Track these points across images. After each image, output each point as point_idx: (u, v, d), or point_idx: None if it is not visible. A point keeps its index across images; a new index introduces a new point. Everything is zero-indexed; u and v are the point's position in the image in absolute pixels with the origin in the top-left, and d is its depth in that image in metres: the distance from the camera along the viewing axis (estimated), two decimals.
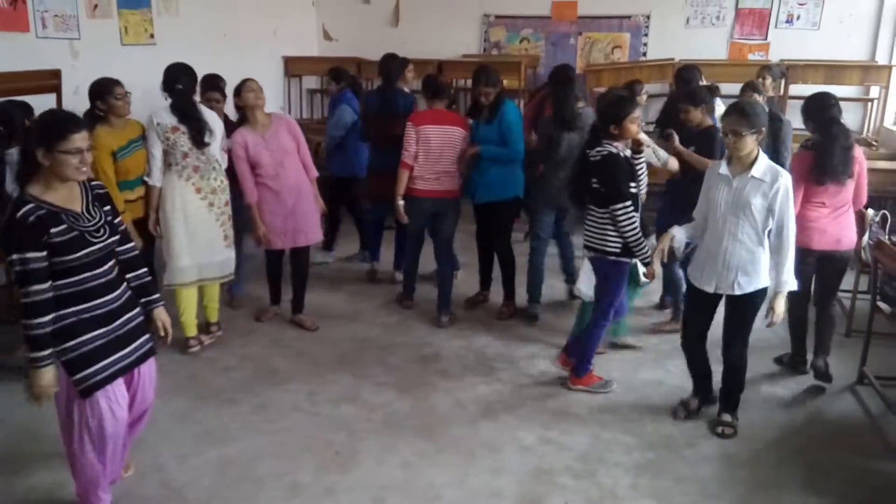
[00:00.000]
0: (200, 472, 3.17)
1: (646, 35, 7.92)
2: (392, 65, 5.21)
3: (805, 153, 3.81)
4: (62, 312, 2.51)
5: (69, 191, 2.54)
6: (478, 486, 3.10)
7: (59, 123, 2.47)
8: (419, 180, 4.56)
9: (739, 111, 3.18)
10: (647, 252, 3.59)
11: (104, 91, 3.94)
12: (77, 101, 5.11)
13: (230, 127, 4.51)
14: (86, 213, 2.56)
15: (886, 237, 4.20)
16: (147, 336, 2.80)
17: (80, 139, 2.45)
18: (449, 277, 4.82)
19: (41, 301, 2.43)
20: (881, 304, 3.93)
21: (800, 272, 3.50)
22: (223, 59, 6.46)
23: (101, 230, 2.59)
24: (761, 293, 3.32)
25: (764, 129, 3.17)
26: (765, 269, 3.28)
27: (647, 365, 4.20)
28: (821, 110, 3.76)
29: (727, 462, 3.29)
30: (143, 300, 2.83)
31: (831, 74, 6.95)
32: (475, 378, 4.04)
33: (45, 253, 2.42)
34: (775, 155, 4.34)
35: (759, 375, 4.09)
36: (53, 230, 2.43)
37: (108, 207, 2.67)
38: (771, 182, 3.16)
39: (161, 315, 2.89)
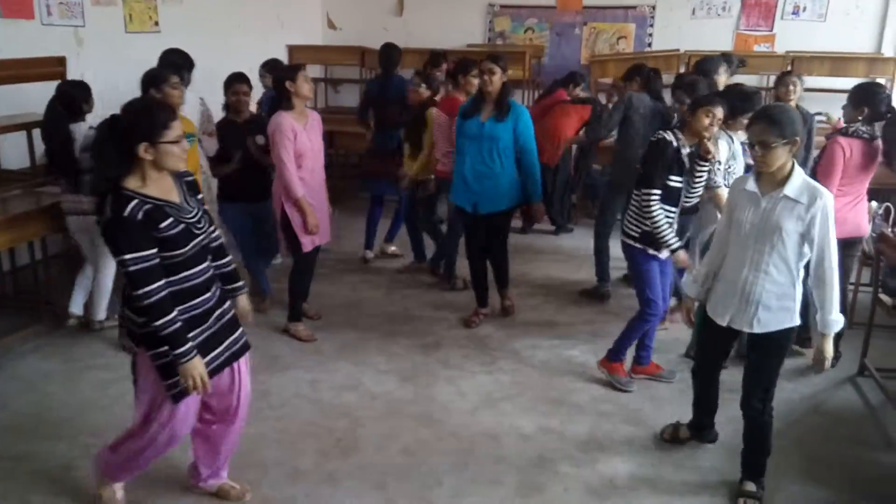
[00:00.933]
0: None
1: (651, 26, 7.88)
2: (392, 53, 5.59)
3: (853, 140, 3.77)
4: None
5: (165, 182, 2.40)
6: (478, 474, 3.12)
7: (160, 114, 2.32)
8: (440, 163, 4.89)
9: (767, 118, 2.67)
10: (669, 241, 3.50)
11: (160, 79, 3.94)
12: None
13: (257, 121, 4.47)
14: (185, 204, 2.42)
15: (890, 229, 4.19)
16: (241, 330, 2.68)
17: (178, 126, 2.34)
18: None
19: (162, 299, 2.29)
20: (883, 297, 3.93)
21: None
22: (228, 46, 6.48)
23: (201, 221, 2.47)
24: (787, 333, 2.82)
25: (798, 138, 2.64)
26: (794, 306, 2.78)
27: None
28: (877, 96, 3.84)
29: (726, 452, 3.30)
30: (226, 287, 2.69)
31: (837, 66, 6.91)
32: (476, 367, 4.05)
33: (156, 250, 2.28)
34: (805, 153, 4.26)
35: None
36: (162, 224, 2.29)
37: (200, 196, 2.55)
38: (808, 203, 2.64)
39: (243, 303, 2.78)
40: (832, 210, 2.63)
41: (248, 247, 4.55)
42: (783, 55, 7.22)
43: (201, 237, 2.44)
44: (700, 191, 3.70)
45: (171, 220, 2.32)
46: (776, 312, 2.77)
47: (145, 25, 5.98)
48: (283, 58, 8.01)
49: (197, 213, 2.44)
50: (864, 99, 3.86)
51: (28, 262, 4.74)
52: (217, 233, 2.63)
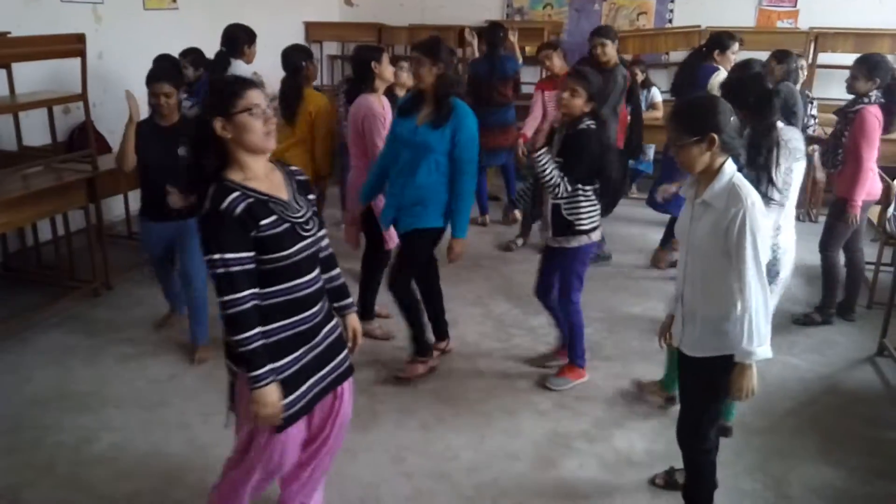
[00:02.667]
0: (224, 431, 3.22)
1: (672, 1, 7.76)
2: (497, 31, 5.71)
3: (877, 108, 3.98)
4: (269, 328, 2.08)
5: (275, 177, 2.15)
6: (494, 448, 3.15)
7: (231, 84, 2.09)
8: None
9: (675, 113, 2.37)
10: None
11: (307, 54, 4.25)
12: (101, 66, 5.18)
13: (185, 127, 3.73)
14: (294, 202, 2.15)
15: None
16: (346, 352, 2.38)
17: (256, 95, 2.05)
18: None
19: (247, 311, 2.01)
20: None
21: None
22: (245, 23, 6.46)
23: (311, 222, 2.18)
24: (721, 364, 2.35)
25: (716, 134, 2.22)
26: (735, 332, 2.29)
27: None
28: (885, 64, 4.05)
29: (742, 430, 3.31)
30: (335, 304, 2.39)
31: (861, 43, 6.77)
32: (492, 344, 4.07)
33: (252, 253, 2.02)
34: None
35: (776, 344, 4.08)
36: (263, 222, 2.02)
37: (311, 197, 2.26)
38: (724, 209, 2.22)
39: (353, 322, 2.45)
40: (754, 219, 2.18)
41: (161, 264, 4.02)
42: (806, 32, 7.10)
43: (309, 240, 2.16)
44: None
45: (274, 217, 2.05)
46: (709, 337, 2.35)
47: (163, 2, 5.97)
48: (300, 35, 8.00)
49: (306, 214, 2.16)
50: (876, 69, 4.01)
51: (50, 238, 4.80)
52: (327, 241, 2.32)
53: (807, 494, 2.91)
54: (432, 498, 2.86)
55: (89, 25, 5.24)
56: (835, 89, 6.01)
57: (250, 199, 2.02)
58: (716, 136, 2.21)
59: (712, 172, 2.27)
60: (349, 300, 2.42)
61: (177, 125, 3.70)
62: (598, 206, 3.42)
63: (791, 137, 3.04)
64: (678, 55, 8.05)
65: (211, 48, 4.91)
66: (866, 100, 4.02)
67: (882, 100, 4.04)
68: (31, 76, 4.76)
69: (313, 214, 2.20)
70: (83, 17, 5.25)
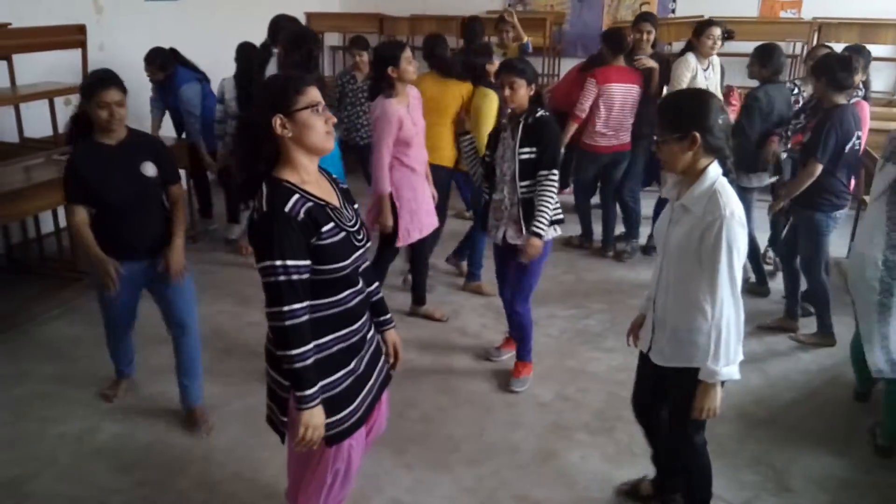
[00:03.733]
0: (226, 421, 3.26)
1: None
2: (473, 26, 5.32)
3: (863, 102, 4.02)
4: (322, 341, 1.98)
5: (324, 182, 2.04)
6: (495, 440, 3.16)
7: (291, 80, 1.95)
8: (599, 136, 4.90)
9: (658, 107, 2.31)
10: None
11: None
12: (102, 57, 5.17)
13: (138, 142, 3.03)
14: (345, 210, 2.04)
15: None
16: (384, 358, 2.30)
17: (316, 92, 1.95)
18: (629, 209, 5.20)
19: (302, 324, 1.90)
20: None
21: None
22: (246, 14, 6.43)
23: (361, 232, 2.07)
24: (693, 375, 2.25)
25: (700, 133, 2.09)
26: (707, 344, 2.18)
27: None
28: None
29: (744, 421, 3.31)
30: (376, 320, 2.28)
31: (865, 33, 6.73)
32: (494, 336, 4.07)
33: (309, 262, 1.89)
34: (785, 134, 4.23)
35: (778, 335, 4.09)
36: (324, 229, 1.91)
37: (356, 206, 2.16)
38: (702, 216, 2.10)
39: (394, 337, 2.34)
40: (731, 230, 2.05)
41: (120, 319, 3.22)
42: (810, 22, 7.06)
43: (361, 251, 2.06)
44: None
45: (332, 224, 1.93)
46: (679, 347, 2.27)
47: None
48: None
49: (357, 223, 2.06)
50: (769, 58, 4.15)
51: (52, 230, 4.81)
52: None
53: (808, 485, 2.91)
54: (433, 489, 2.87)
55: (90, 16, 5.24)
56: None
57: (310, 204, 1.90)
58: (698, 135, 2.08)
59: (695, 174, 2.14)
60: (388, 315, 2.32)
61: (127, 141, 2.91)
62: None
63: None
64: (682, 46, 8.05)
65: (211, 38, 4.91)
66: (864, 95, 4.10)
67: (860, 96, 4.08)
68: (32, 68, 4.76)
69: (362, 224, 2.10)
70: (84, 9, 5.25)
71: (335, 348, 2.02)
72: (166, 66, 5.02)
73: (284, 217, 1.85)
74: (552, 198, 3.20)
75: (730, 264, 2.07)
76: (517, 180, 3.24)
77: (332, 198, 2.02)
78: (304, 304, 1.90)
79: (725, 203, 2.06)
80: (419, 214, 3.84)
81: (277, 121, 1.89)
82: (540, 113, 3.23)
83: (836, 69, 3.63)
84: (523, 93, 3.21)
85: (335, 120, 1.99)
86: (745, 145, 4.05)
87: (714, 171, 2.13)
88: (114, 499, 2.79)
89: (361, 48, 5.31)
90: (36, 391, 3.47)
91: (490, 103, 4.22)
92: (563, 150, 4.70)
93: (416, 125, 3.72)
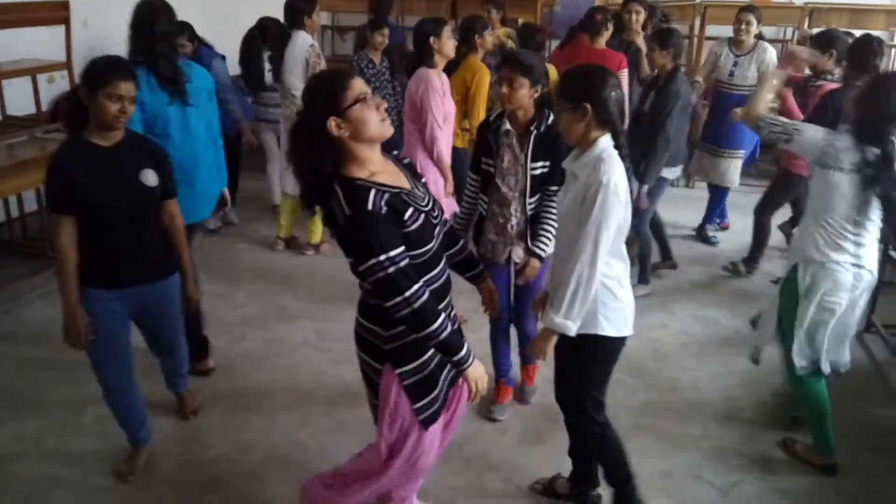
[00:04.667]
0: (212, 404, 3.24)
1: None
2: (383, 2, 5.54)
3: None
4: (403, 328, 1.98)
5: (390, 167, 2.01)
6: (484, 422, 3.16)
7: (334, 79, 1.92)
8: None
9: (560, 81, 2.29)
10: None
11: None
12: (86, 34, 5.08)
13: (136, 144, 2.58)
14: (416, 190, 2.02)
15: None
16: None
17: (361, 83, 1.92)
18: None
19: (428, 300, 1.89)
20: (893, 254, 3.91)
21: None
22: None
23: (436, 209, 2.06)
24: (590, 343, 2.28)
25: (591, 105, 2.12)
26: (605, 312, 2.24)
27: (653, 308, 4.22)
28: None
29: (730, 404, 3.34)
30: (468, 274, 2.36)
31: (856, 18, 6.73)
32: (483, 319, 4.04)
33: (405, 248, 1.89)
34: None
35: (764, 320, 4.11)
36: (406, 216, 1.91)
37: (424, 179, 2.17)
38: (585, 181, 2.14)
39: (490, 287, 2.41)
40: (606, 198, 2.07)
41: (121, 367, 2.70)
42: (801, 6, 7.04)
43: (439, 228, 2.06)
44: None
45: (411, 209, 1.92)
46: None
47: None
48: None
49: (429, 201, 2.04)
50: (669, 40, 4.10)
51: (35, 209, 4.74)
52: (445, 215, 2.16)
53: (793, 469, 2.94)
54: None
55: None
56: None
57: (386, 195, 1.87)
58: (588, 107, 2.12)
59: (587, 144, 2.18)
60: (480, 267, 2.38)
61: (124, 143, 2.49)
62: None
63: None
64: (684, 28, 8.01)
65: (200, 15, 4.81)
66: (830, 77, 4.14)
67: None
68: (13, 44, 4.67)
69: (434, 200, 2.08)
70: None
71: None
72: (193, 37, 4.58)
73: (370, 214, 1.83)
74: (556, 215, 2.84)
75: (597, 228, 2.10)
76: (527, 196, 2.88)
77: (403, 181, 2.00)
78: (421, 282, 1.90)
79: (605, 171, 2.10)
80: (441, 196, 3.67)
81: (332, 123, 1.86)
82: (551, 119, 2.82)
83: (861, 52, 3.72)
84: (524, 94, 2.76)
85: (385, 104, 1.96)
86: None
87: (604, 142, 2.17)
88: (98, 480, 2.77)
89: (380, 27, 5.07)
90: (20, 372, 3.44)
91: (484, 79, 4.10)
92: None
93: (448, 105, 3.71)
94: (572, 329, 2.20)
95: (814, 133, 2.72)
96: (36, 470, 2.82)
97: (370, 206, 1.83)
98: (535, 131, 2.80)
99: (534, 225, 2.91)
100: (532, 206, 2.90)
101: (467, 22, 4.31)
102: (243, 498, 2.70)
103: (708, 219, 5.35)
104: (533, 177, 2.84)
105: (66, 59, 4.29)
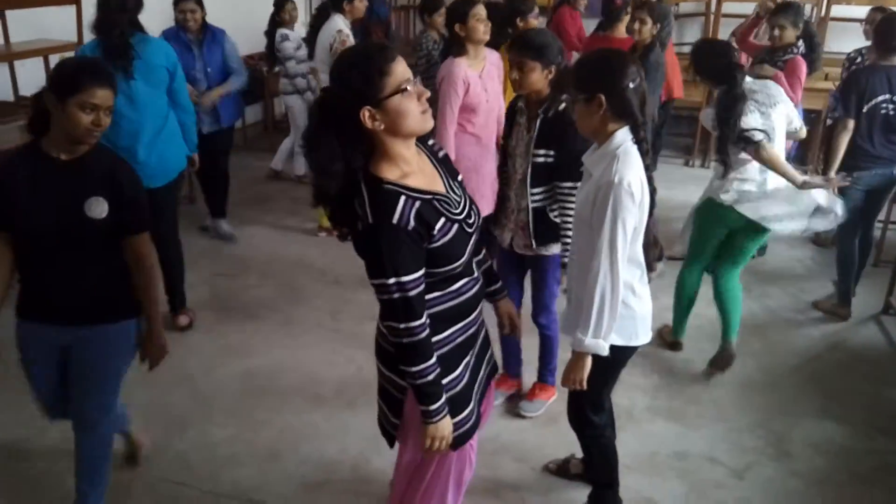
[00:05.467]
0: (225, 383, 3.26)
1: None
2: None
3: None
4: (443, 336, 1.81)
5: (426, 165, 1.78)
6: (496, 404, 3.15)
7: (373, 60, 1.62)
8: None
9: (574, 68, 2.17)
10: None
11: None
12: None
13: (100, 159, 2.20)
14: (451, 192, 1.79)
15: None
16: (489, 347, 2.10)
17: (403, 67, 1.66)
18: None
19: (421, 341, 1.71)
20: None
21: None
22: None
23: (472, 214, 1.83)
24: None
25: (605, 96, 1.96)
26: (586, 318, 2.03)
27: (666, 291, 4.18)
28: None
29: (744, 387, 3.31)
30: (488, 290, 2.09)
31: None
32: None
33: (423, 270, 1.69)
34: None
35: (780, 301, 4.08)
36: (436, 229, 1.68)
37: (461, 178, 1.91)
38: (598, 179, 2.00)
39: (508, 307, 2.20)
40: (619, 199, 1.92)
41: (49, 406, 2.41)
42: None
43: (475, 237, 1.83)
44: None
45: (443, 220, 1.70)
46: (577, 317, 2.13)
47: None
48: None
49: (465, 205, 1.81)
50: (655, 13, 4.18)
51: None
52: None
53: (808, 450, 2.92)
54: None
55: None
56: (848, 43, 5.87)
57: (417, 203, 1.65)
58: (603, 98, 1.95)
59: (604, 138, 2.02)
60: (500, 283, 2.16)
61: (81, 162, 2.08)
62: None
63: (758, 90, 3.09)
64: (688, 6, 7.89)
65: None
66: (795, 50, 4.11)
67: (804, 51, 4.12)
68: (25, 25, 4.66)
69: (470, 202, 1.84)
70: None
71: (456, 341, 1.84)
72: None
73: (393, 229, 1.61)
74: (567, 206, 2.66)
75: (612, 233, 1.94)
76: (528, 185, 2.70)
77: (437, 182, 1.77)
78: (423, 319, 1.70)
79: (618, 170, 1.93)
80: (481, 189, 3.35)
81: (366, 114, 1.61)
82: (564, 104, 2.60)
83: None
84: (536, 78, 2.58)
85: (428, 93, 1.70)
86: None
87: (620, 137, 1.99)
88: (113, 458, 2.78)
89: (435, 8, 4.85)
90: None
91: None
92: None
93: (486, 91, 3.36)
94: (605, 348, 2.04)
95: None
96: (50, 450, 2.84)
97: (395, 219, 1.61)
98: (542, 115, 2.63)
99: (540, 220, 2.73)
100: (537, 198, 2.70)
101: (512, 2, 4.15)
102: (255, 477, 2.71)
103: None
104: (535, 164, 2.66)
105: (78, 40, 4.28)
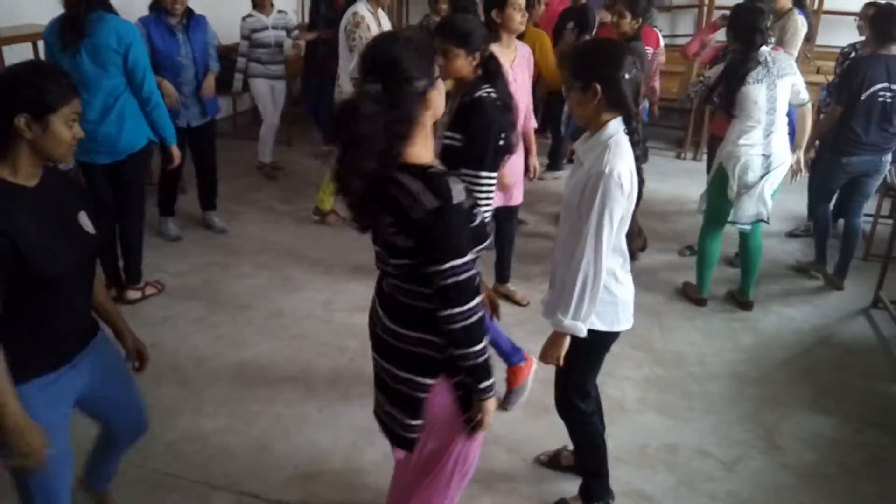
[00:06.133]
0: (217, 374, 3.24)
1: None
2: None
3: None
4: None
5: (431, 142, 1.80)
6: None
7: (430, 39, 1.71)
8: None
9: (567, 58, 2.17)
10: None
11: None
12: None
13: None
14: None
15: None
16: None
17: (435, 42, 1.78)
18: None
19: (482, 317, 1.69)
20: None
21: None
22: None
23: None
24: (592, 335, 2.16)
25: (601, 85, 1.97)
26: (567, 300, 2.08)
27: (658, 283, 4.20)
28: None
29: (735, 380, 3.33)
30: None
31: None
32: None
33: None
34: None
35: (771, 295, 4.10)
36: (475, 209, 1.74)
37: None
38: (588, 167, 2.02)
39: (486, 291, 2.22)
40: (608, 188, 1.95)
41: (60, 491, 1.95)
42: None
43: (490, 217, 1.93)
44: None
45: (473, 201, 1.74)
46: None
47: None
48: None
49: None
50: (637, 6, 4.11)
51: None
52: None
53: (798, 444, 2.94)
54: None
55: None
56: (840, 37, 5.88)
57: (461, 185, 1.66)
58: (598, 87, 1.97)
59: (597, 127, 2.04)
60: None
61: (48, 181, 1.82)
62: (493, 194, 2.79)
63: (776, 58, 3.51)
64: None
65: None
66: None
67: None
68: (13, 10, 4.61)
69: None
70: None
71: (480, 313, 1.77)
72: None
73: (457, 209, 1.60)
74: (486, 203, 2.70)
75: (599, 222, 1.97)
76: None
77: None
78: (479, 297, 1.70)
79: (609, 160, 1.96)
80: (512, 181, 3.37)
81: (426, 93, 1.64)
82: (481, 93, 2.59)
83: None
84: (461, 64, 2.59)
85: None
86: None
87: (613, 127, 2.02)
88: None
89: None
90: None
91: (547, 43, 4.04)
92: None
93: (516, 82, 3.30)
94: (583, 330, 2.09)
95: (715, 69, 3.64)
96: None
97: (456, 200, 1.60)
98: (459, 99, 2.63)
99: None
100: None
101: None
102: (247, 468, 2.70)
103: None
104: (444, 146, 2.63)
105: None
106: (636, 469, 2.77)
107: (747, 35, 3.49)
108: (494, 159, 2.66)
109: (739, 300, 3.95)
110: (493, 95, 2.61)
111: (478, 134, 2.57)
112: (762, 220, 3.68)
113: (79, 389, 1.93)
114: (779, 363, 3.48)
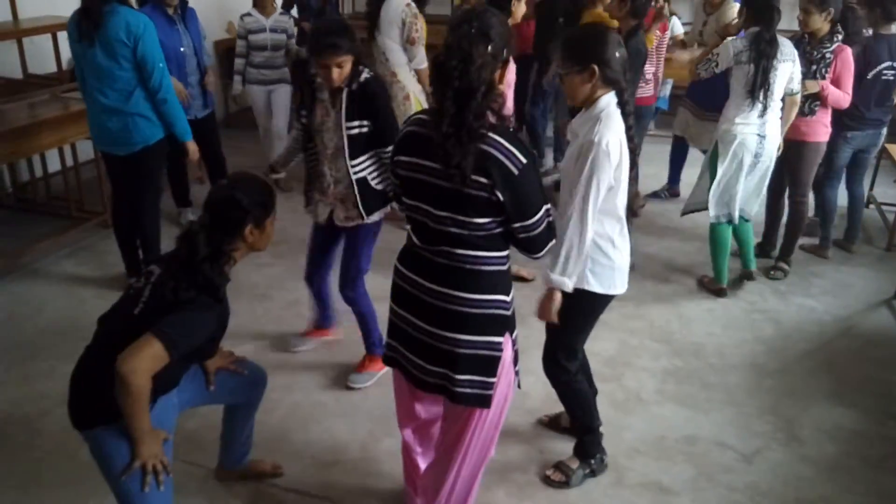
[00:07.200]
0: None
1: None
2: None
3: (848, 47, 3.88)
4: (506, 268, 2.03)
5: None
6: None
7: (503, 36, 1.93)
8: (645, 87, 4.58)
9: (562, 44, 2.27)
10: None
11: None
12: None
13: None
14: None
15: None
16: None
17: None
18: None
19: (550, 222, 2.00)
20: None
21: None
22: None
23: None
24: (576, 293, 2.28)
25: (598, 66, 2.14)
26: (593, 267, 2.30)
27: (677, 275, 4.17)
28: None
29: (755, 372, 3.30)
30: None
31: None
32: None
33: None
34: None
35: (792, 286, 4.05)
36: None
37: None
38: (582, 138, 2.17)
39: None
40: (598, 158, 2.09)
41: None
42: None
43: None
44: None
45: None
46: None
47: None
48: None
49: None
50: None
51: (59, 168, 4.76)
52: None
53: (818, 435, 2.91)
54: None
55: None
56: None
57: None
58: (596, 68, 2.14)
59: (591, 103, 2.21)
60: None
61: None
62: None
63: (781, 42, 3.55)
64: None
65: None
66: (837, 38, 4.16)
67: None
68: (34, 2, 4.64)
69: None
70: None
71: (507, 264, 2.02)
72: None
73: (535, 160, 1.85)
74: (384, 172, 2.84)
75: (587, 188, 2.12)
76: (347, 158, 2.76)
77: None
78: None
79: (599, 130, 2.11)
80: None
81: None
82: (364, 76, 2.70)
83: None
84: (349, 69, 2.65)
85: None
86: None
87: (605, 101, 2.18)
88: None
89: None
90: (46, 329, 3.48)
91: None
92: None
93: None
94: (568, 285, 2.23)
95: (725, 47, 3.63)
96: (62, 427, 2.84)
97: (531, 151, 1.84)
98: (346, 88, 2.67)
99: (365, 188, 2.80)
100: (357, 168, 2.78)
101: None
102: (265, 456, 2.71)
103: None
104: (350, 136, 2.72)
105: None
106: (654, 461, 2.76)
107: (764, 13, 3.51)
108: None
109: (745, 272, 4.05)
110: (370, 75, 2.75)
111: (386, 115, 2.77)
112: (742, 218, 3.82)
113: (184, 399, 2.18)
114: (799, 354, 3.44)
